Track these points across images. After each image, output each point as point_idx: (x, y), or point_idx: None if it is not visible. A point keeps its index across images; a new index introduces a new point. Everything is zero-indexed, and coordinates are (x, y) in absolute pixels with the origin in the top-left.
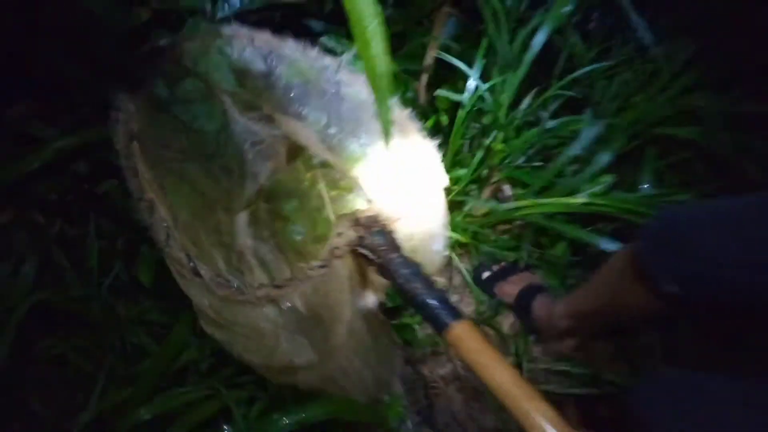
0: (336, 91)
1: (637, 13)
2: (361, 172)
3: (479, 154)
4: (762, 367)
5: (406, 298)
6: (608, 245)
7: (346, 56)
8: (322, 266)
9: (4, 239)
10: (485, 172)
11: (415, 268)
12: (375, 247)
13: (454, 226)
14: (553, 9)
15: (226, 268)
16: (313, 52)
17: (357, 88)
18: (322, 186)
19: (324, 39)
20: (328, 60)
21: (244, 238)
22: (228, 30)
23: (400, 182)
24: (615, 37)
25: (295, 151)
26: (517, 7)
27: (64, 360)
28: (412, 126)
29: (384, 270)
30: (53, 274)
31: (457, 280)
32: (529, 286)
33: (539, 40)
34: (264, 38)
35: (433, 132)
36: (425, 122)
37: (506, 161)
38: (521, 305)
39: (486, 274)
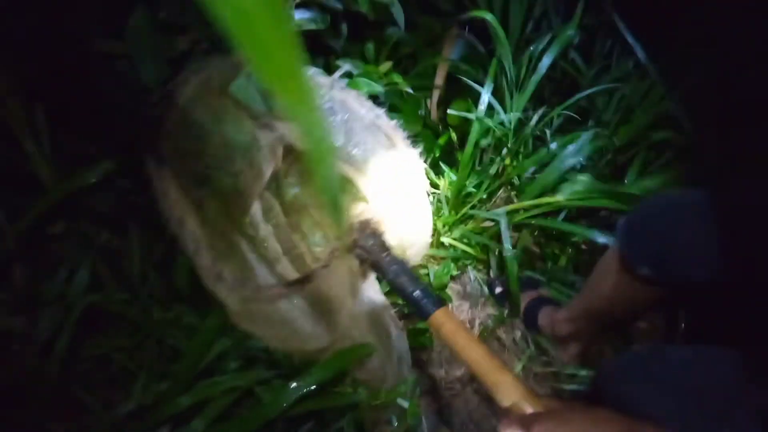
0: (330, 106)
1: (632, 35)
2: (355, 177)
3: (489, 169)
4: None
5: (394, 289)
6: (599, 237)
7: (337, 75)
8: (324, 266)
9: (57, 248)
10: (496, 185)
11: (402, 264)
12: (368, 248)
13: (466, 239)
14: (558, 33)
15: (255, 257)
16: (308, 73)
17: (348, 103)
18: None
19: (339, 61)
20: (322, 79)
21: (264, 228)
22: (236, 60)
23: (390, 187)
24: (614, 56)
25: (289, 151)
26: (523, 30)
27: (108, 359)
28: (398, 136)
29: (376, 267)
30: (98, 281)
31: (471, 288)
32: (535, 299)
33: (545, 62)
34: None
35: (446, 147)
36: (437, 138)
37: (515, 174)
38: (528, 316)
39: (498, 290)
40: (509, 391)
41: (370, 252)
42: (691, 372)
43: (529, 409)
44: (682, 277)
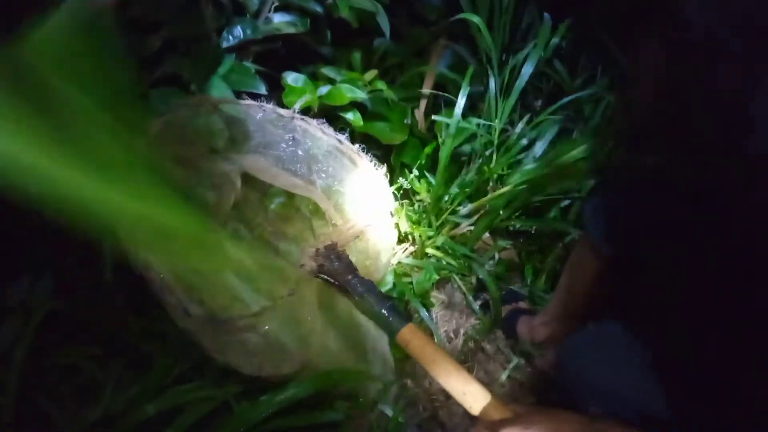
0: (292, 137)
1: (616, 45)
2: (320, 201)
3: (470, 176)
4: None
5: (362, 310)
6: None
7: (298, 105)
8: (290, 294)
9: (25, 251)
10: (474, 190)
11: (368, 284)
12: (333, 272)
13: (450, 248)
14: (538, 41)
15: (236, 279)
16: (269, 107)
17: (310, 132)
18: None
19: (325, 70)
20: (283, 111)
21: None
22: (196, 101)
23: (354, 208)
24: (599, 65)
25: (248, 178)
26: (509, 39)
27: (77, 368)
28: (362, 158)
29: (343, 290)
30: (69, 287)
31: (455, 297)
32: (514, 310)
33: (527, 70)
34: (228, 103)
35: (433, 156)
36: (424, 148)
37: (497, 181)
38: (507, 326)
39: (482, 300)
40: (478, 400)
41: (337, 275)
42: (642, 348)
43: (496, 416)
44: (632, 252)
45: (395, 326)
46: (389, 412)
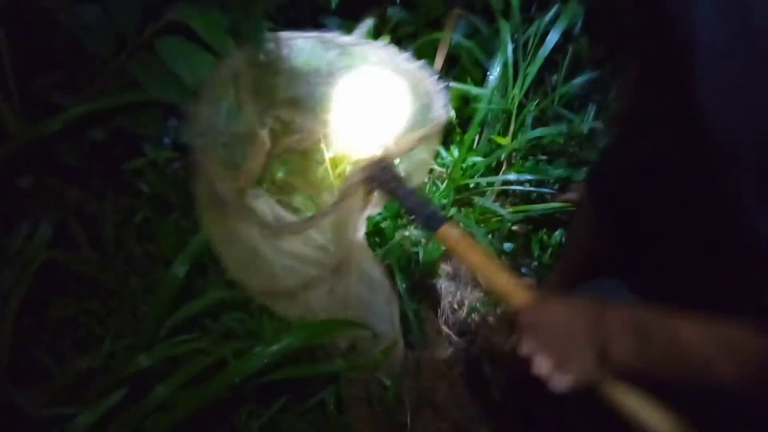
0: (349, 62)
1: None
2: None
3: (488, 146)
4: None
5: (408, 212)
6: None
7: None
8: (340, 201)
9: (24, 202)
10: (494, 163)
11: (411, 189)
12: (380, 182)
13: (459, 222)
14: (562, 10)
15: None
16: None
17: (368, 52)
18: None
19: None
20: (343, 38)
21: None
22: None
23: (405, 124)
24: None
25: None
26: (527, 9)
27: (76, 322)
28: (424, 74)
29: (390, 195)
30: (69, 241)
31: (462, 270)
32: None
33: (552, 38)
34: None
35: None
36: None
37: (514, 153)
38: None
39: None
40: (505, 285)
41: (383, 184)
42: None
43: (522, 298)
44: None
45: (436, 224)
46: (388, 381)
